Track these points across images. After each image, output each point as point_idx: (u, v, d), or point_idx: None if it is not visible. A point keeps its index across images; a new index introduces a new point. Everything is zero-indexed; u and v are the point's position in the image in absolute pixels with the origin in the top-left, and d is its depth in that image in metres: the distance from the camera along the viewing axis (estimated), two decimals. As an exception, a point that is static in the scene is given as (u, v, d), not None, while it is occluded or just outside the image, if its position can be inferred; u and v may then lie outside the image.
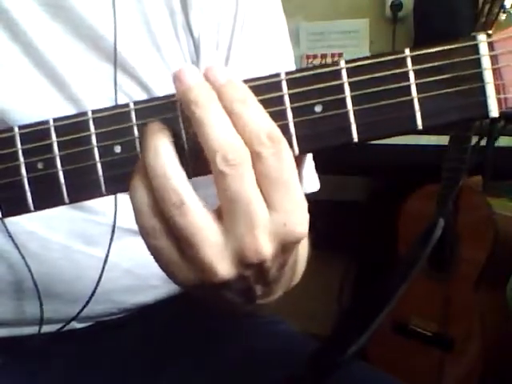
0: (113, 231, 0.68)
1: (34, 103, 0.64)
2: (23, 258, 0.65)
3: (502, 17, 1.47)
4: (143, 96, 0.68)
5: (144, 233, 0.42)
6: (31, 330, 0.69)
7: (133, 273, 0.71)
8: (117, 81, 0.66)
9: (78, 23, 0.65)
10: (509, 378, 1.47)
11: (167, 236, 0.41)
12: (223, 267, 0.40)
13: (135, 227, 0.69)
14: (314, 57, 2.04)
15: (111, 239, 0.68)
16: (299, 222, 0.40)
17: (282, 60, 0.75)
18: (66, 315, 0.69)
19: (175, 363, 0.68)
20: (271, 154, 0.39)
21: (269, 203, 0.40)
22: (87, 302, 0.68)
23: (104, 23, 0.65)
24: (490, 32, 0.41)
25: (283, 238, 0.40)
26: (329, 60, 2.03)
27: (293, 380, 0.58)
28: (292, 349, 0.70)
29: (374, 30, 2.02)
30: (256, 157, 0.39)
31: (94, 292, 0.67)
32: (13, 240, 0.64)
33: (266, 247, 0.40)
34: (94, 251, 0.69)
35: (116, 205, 0.67)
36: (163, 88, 0.68)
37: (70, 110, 0.65)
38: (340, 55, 2.02)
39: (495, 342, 1.51)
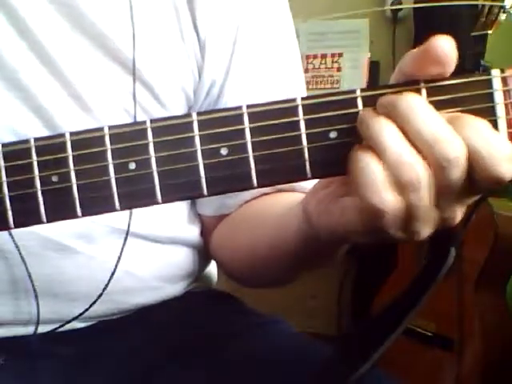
0: (126, 235, 0.68)
1: (39, 100, 0.65)
2: (22, 257, 0.65)
3: (502, 17, 1.47)
4: (148, 96, 0.68)
5: (374, 205, 0.42)
6: (31, 329, 0.69)
7: (134, 274, 0.72)
8: (117, 79, 0.67)
9: (85, 22, 0.65)
10: (509, 378, 1.47)
11: (395, 205, 0.42)
12: (428, 231, 0.45)
13: (137, 230, 0.70)
14: (314, 57, 2.04)
15: (124, 243, 0.68)
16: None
17: (287, 78, 0.75)
18: (66, 315, 0.69)
19: (175, 364, 0.68)
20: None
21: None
22: (92, 304, 0.68)
23: (113, 23, 0.66)
24: (503, 68, 0.42)
25: None
26: (329, 60, 2.03)
27: None
28: (292, 349, 0.70)
29: (374, 29, 2.02)
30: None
31: (101, 293, 0.68)
32: (13, 239, 0.64)
33: (460, 215, 0.45)
34: (94, 252, 0.69)
35: (131, 211, 0.67)
36: (167, 89, 0.69)
37: (74, 107, 0.66)
38: (340, 55, 2.02)
39: (495, 342, 1.51)
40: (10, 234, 0.64)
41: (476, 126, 0.41)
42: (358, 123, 0.43)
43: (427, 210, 0.43)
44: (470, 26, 1.57)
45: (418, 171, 0.41)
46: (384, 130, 0.41)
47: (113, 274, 0.68)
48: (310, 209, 0.50)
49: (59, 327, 0.69)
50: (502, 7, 1.46)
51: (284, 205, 0.64)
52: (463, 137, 0.41)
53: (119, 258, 0.68)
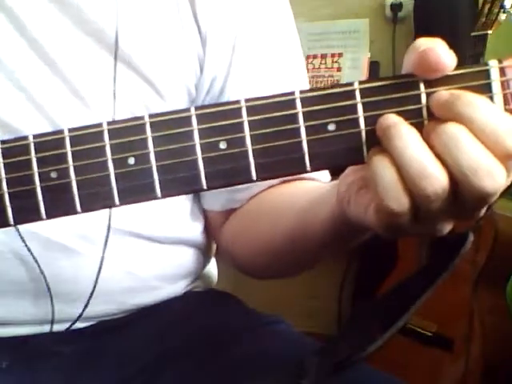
0: (108, 231, 0.68)
1: (39, 98, 0.65)
2: (34, 257, 0.65)
3: (502, 17, 1.47)
4: (150, 92, 0.68)
5: (390, 211, 0.42)
6: (34, 329, 0.70)
7: (133, 274, 0.72)
8: (116, 75, 0.67)
9: (83, 18, 0.65)
10: (509, 378, 1.47)
11: (410, 210, 0.43)
12: (448, 229, 0.45)
13: (136, 229, 0.70)
14: (314, 57, 2.04)
15: (106, 239, 0.68)
16: None
17: (290, 71, 0.75)
18: (67, 315, 0.70)
19: (175, 364, 0.68)
20: None
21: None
22: (87, 303, 0.68)
23: (109, 18, 0.66)
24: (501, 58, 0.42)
25: None
26: (329, 60, 2.03)
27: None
28: (292, 349, 0.70)
29: (374, 30, 2.02)
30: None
31: (92, 292, 0.68)
32: (23, 240, 0.64)
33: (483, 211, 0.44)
34: (94, 252, 0.69)
35: (111, 210, 0.67)
36: (169, 84, 0.69)
37: (75, 105, 0.66)
38: (340, 55, 2.02)
39: (495, 342, 1.51)
40: (20, 235, 0.64)
41: (476, 103, 0.41)
42: (381, 127, 0.43)
43: (449, 213, 0.43)
44: (469, 26, 1.57)
45: (442, 183, 0.41)
46: (405, 141, 0.41)
47: (99, 270, 0.68)
48: (341, 193, 0.50)
49: (70, 327, 0.70)
50: (502, 7, 1.46)
51: (306, 193, 0.64)
52: (465, 116, 0.41)
53: (103, 255, 0.68)
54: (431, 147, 0.41)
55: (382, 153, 0.42)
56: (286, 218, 0.65)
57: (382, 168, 0.42)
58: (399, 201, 0.42)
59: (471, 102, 0.41)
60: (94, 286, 0.68)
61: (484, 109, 0.41)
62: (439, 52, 0.41)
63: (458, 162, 0.40)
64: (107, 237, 0.68)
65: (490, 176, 0.40)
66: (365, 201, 0.46)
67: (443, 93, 0.42)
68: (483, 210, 0.44)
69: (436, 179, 0.41)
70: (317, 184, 0.70)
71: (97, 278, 0.68)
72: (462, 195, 0.42)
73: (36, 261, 0.65)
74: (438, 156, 0.41)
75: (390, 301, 0.51)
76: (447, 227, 0.45)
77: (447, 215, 0.43)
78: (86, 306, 0.69)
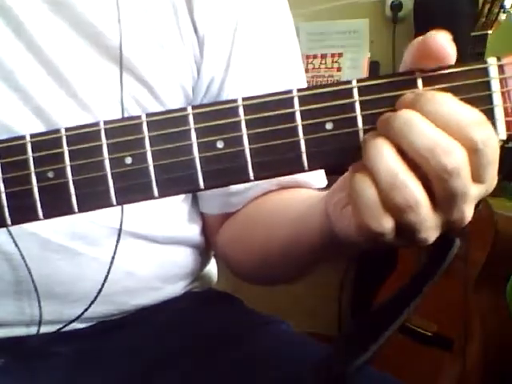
0: (119, 235, 0.68)
1: (37, 100, 0.65)
2: (23, 258, 0.65)
3: (502, 17, 1.47)
4: (147, 94, 0.68)
5: (371, 228, 0.42)
6: (32, 330, 0.69)
7: (134, 275, 0.72)
8: (114, 78, 0.66)
9: (80, 20, 0.65)
10: (509, 378, 1.47)
11: (393, 227, 0.42)
12: (434, 237, 0.44)
13: (138, 230, 0.70)
14: (314, 57, 2.04)
15: (117, 242, 0.68)
16: (494, 184, 0.44)
17: (288, 73, 0.75)
18: (67, 316, 0.70)
19: (175, 364, 0.68)
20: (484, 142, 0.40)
21: (478, 179, 0.42)
22: (90, 304, 0.68)
23: (107, 21, 0.65)
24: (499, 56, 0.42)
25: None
26: (329, 60, 2.03)
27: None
28: (292, 349, 0.70)
29: (374, 30, 2.02)
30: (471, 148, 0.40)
31: (98, 294, 0.68)
32: (14, 241, 0.64)
33: (470, 214, 0.44)
34: (95, 253, 0.69)
35: (122, 209, 0.67)
36: (165, 87, 0.69)
37: (72, 107, 0.66)
38: (340, 55, 2.02)
39: (495, 342, 1.51)
40: (11, 235, 0.64)
41: (438, 99, 0.41)
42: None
43: (430, 222, 0.42)
44: (469, 26, 1.57)
45: (414, 192, 0.41)
46: (378, 152, 0.41)
47: (108, 273, 0.68)
48: (329, 211, 0.50)
49: (61, 328, 0.70)
50: (502, 7, 1.46)
51: (300, 202, 0.64)
52: (428, 113, 0.40)
53: (113, 257, 0.68)
54: (387, 137, 0.41)
55: (362, 169, 0.42)
56: (280, 227, 0.65)
57: (362, 186, 0.42)
58: (380, 222, 0.42)
59: (434, 96, 0.41)
60: (101, 288, 0.68)
61: (447, 103, 0.41)
62: (440, 38, 0.41)
63: (414, 144, 0.40)
64: (118, 240, 0.68)
65: (448, 154, 0.40)
66: (348, 217, 0.46)
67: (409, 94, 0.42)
68: (466, 211, 0.43)
69: (406, 187, 0.41)
70: (311, 193, 0.70)
71: (105, 280, 0.68)
72: (437, 192, 0.41)
73: (25, 261, 0.65)
74: (401, 154, 0.41)
75: (385, 313, 0.51)
76: (432, 237, 0.44)
77: (429, 224, 0.43)
78: (89, 306, 0.69)
